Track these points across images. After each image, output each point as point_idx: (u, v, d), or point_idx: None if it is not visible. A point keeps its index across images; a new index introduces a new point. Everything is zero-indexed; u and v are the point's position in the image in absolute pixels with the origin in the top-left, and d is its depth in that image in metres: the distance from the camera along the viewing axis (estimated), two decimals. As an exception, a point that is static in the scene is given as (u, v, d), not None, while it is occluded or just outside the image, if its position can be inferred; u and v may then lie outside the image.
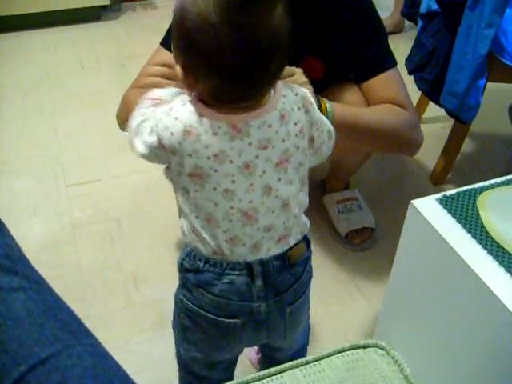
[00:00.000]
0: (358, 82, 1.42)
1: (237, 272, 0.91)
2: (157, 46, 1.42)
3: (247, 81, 0.78)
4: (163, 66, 1.02)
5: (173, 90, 0.91)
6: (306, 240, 0.97)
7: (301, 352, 1.16)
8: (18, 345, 0.60)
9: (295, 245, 0.94)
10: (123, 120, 1.44)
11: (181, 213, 0.92)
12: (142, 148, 0.86)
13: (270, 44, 0.76)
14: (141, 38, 2.78)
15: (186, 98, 0.84)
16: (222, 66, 0.76)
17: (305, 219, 0.96)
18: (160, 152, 0.84)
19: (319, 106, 1.10)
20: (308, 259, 0.99)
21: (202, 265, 0.91)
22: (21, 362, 0.59)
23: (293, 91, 0.87)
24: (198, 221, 0.88)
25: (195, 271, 0.92)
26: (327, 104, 1.18)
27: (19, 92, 2.40)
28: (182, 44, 0.79)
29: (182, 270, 0.95)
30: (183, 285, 0.96)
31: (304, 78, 1.09)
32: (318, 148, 0.93)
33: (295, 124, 0.86)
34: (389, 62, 1.39)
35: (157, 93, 0.91)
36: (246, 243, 0.89)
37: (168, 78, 0.99)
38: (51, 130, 2.20)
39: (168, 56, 1.39)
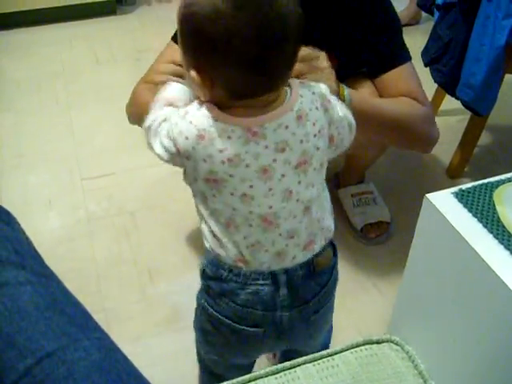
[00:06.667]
0: (371, 76, 1.40)
1: (261, 282, 0.89)
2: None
3: (263, 68, 0.77)
4: (173, 63, 1.01)
5: (184, 87, 0.90)
6: (332, 245, 0.95)
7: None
8: (25, 338, 0.60)
9: (321, 251, 0.92)
10: (132, 114, 1.44)
11: (201, 218, 0.91)
12: (158, 149, 0.86)
13: (281, 29, 0.75)
14: (156, 31, 2.78)
15: (201, 102, 0.83)
16: (237, 56, 0.75)
17: (328, 223, 0.93)
18: (175, 156, 0.84)
19: (337, 92, 1.08)
20: (334, 266, 0.97)
21: (225, 274, 0.90)
22: (27, 355, 0.59)
23: (310, 90, 0.85)
24: (218, 226, 0.87)
25: (218, 280, 0.91)
26: (345, 91, 1.15)
27: (34, 86, 2.42)
28: (194, 43, 0.78)
29: (205, 276, 0.94)
30: (205, 291, 0.95)
31: (327, 63, 1.06)
32: (339, 144, 0.91)
33: (313, 124, 0.83)
34: (403, 56, 1.37)
35: (169, 92, 0.90)
36: (269, 249, 0.88)
37: (178, 76, 0.99)
38: (66, 124, 2.21)
39: (177, 53, 1.38)
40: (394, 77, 1.35)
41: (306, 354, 0.93)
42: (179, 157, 0.83)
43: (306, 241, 0.90)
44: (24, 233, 0.75)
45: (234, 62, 0.75)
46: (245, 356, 1.03)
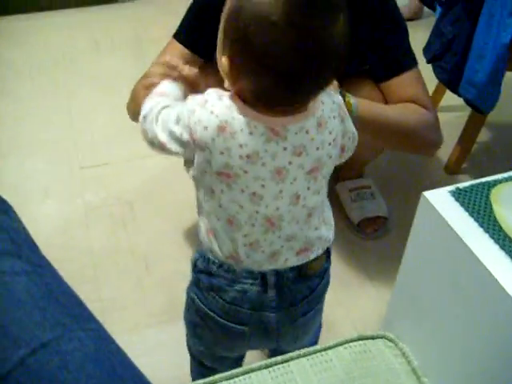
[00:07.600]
0: (377, 81, 1.39)
1: (250, 281, 0.89)
2: (173, 30, 1.41)
3: (297, 86, 0.75)
4: (166, 66, 1.00)
5: (176, 84, 0.90)
6: (326, 251, 0.95)
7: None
8: (20, 328, 0.60)
9: (315, 258, 0.92)
10: (134, 113, 1.43)
11: (201, 212, 0.90)
12: (162, 136, 0.83)
13: (329, 52, 0.74)
14: (157, 19, 2.76)
15: (221, 91, 0.81)
16: (276, 66, 0.72)
17: (326, 233, 0.92)
18: (185, 145, 0.81)
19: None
20: (326, 270, 0.97)
21: (215, 269, 0.90)
22: (22, 345, 0.59)
23: (330, 98, 0.85)
24: (218, 222, 0.87)
25: (208, 274, 0.91)
26: (351, 99, 1.15)
27: (34, 73, 2.41)
28: (236, 37, 0.74)
29: (196, 269, 0.94)
30: (196, 284, 0.95)
31: None
32: (345, 154, 0.91)
33: (330, 133, 0.83)
34: (410, 62, 1.36)
35: (161, 87, 0.90)
36: (265, 250, 0.88)
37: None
38: (65, 111, 2.20)
39: (179, 51, 1.37)
40: (400, 83, 1.35)
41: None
42: (192, 146, 0.81)
43: (301, 246, 0.89)
44: (20, 222, 0.74)
45: (268, 71, 0.73)
46: (232, 351, 1.03)
